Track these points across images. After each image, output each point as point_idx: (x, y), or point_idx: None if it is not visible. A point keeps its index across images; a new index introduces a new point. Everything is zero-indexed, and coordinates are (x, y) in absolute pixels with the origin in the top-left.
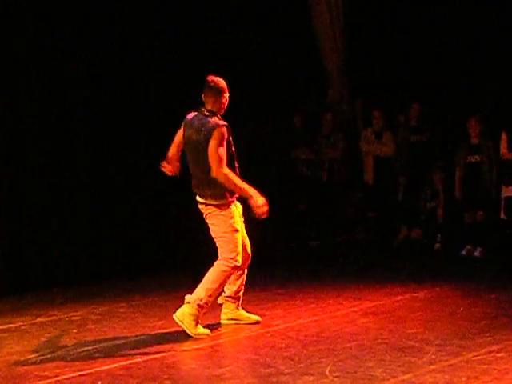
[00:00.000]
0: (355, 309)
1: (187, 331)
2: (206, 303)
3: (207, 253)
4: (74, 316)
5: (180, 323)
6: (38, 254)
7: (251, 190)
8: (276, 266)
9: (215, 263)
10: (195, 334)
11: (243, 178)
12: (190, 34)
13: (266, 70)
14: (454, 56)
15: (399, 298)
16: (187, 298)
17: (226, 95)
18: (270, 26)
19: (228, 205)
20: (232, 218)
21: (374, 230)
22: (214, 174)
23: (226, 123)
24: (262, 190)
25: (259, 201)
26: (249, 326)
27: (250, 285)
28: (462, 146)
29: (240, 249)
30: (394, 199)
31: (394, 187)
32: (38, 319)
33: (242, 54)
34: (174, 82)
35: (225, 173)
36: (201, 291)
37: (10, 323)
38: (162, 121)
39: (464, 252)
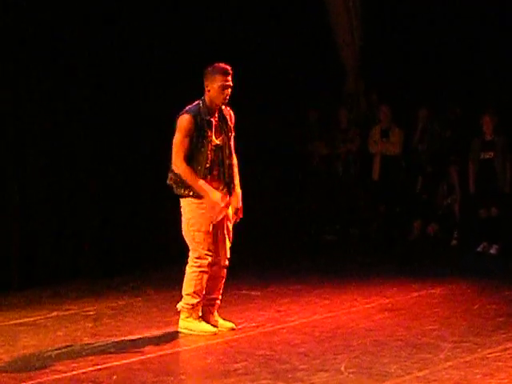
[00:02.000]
0: (371, 305)
1: (193, 333)
2: (193, 305)
3: None
4: (90, 310)
5: (185, 331)
6: (51, 249)
7: (206, 187)
8: (291, 262)
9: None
10: (200, 331)
11: (256, 173)
12: (203, 28)
13: (281, 63)
14: (472, 50)
15: (415, 294)
16: (178, 306)
17: (214, 84)
18: (285, 19)
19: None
20: (190, 214)
21: (389, 225)
22: (172, 164)
23: (192, 113)
24: (275, 186)
25: (213, 199)
26: (264, 322)
27: (265, 281)
28: (476, 142)
29: (205, 249)
30: (407, 194)
31: (407, 182)
32: (54, 313)
33: (257, 48)
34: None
35: (178, 165)
36: (184, 297)
37: (26, 317)
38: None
39: (480, 249)
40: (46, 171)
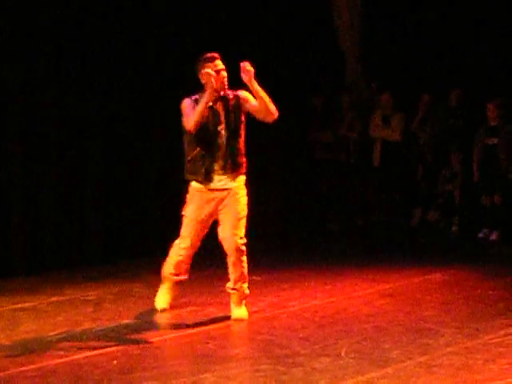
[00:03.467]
0: (372, 290)
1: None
2: None
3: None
4: (90, 295)
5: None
6: (52, 234)
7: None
8: (293, 248)
9: None
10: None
11: (258, 164)
12: (211, 18)
13: (282, 52)
14: (473, 39)
15: (416, 280)
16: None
17: (206, 69)
18: (286, 7)
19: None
20: (188, 200)
21: (390, 212)
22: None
23: (192, 97)
24: (278, 174)
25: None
26: (264, 307)
27: (267, 266)
28: (480, 128)
29: (185, 234)
30: (411, 181)
31: (407, 169)
32: (54, 298)
33: (257, 36)
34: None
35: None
36: None
37: (26, 302)
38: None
39: (481, 235)
40: (51, 157)
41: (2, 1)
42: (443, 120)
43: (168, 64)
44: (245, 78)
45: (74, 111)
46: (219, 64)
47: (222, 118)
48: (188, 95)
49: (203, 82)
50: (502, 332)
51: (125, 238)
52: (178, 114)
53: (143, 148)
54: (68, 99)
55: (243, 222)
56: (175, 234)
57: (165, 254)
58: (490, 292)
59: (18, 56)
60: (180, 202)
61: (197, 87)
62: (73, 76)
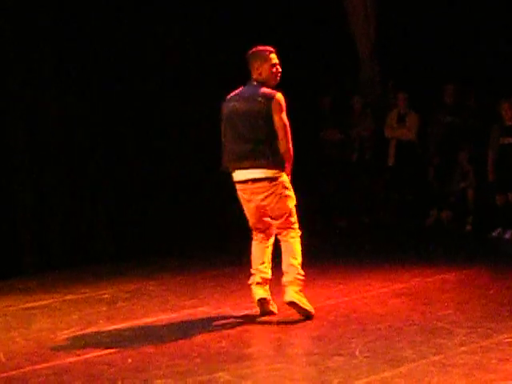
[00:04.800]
0: (385, 290)
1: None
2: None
3: (236, 232)
4: (104, 294)
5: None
6: (65, 232)
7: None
8: (305, 247)
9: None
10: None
11: None
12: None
13: (295, 51)
14: (487, 37)
15: (430, 279)
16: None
17: (272, 62)
18: (300, 7)
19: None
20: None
21: (403, 211)
22: (283, 147)
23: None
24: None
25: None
26: (278, 306)
27: (278, 265)
28: (495, 128)
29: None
30: (423, 181)
31: (421, 169)
32: (68, 296)
33: (271, 36)
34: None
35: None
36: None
37: (41, 300)
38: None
39: (495, 234)
40: (61, 155)
41: (2, 1)
42: (440, 118)
43: (168, 64)
44: None
45: (79, 111)
46: (275, 58)
47: None
48: (188, 95)
49: (264, 75)
50: None
51: (135, 236)
52: (178, 115)
53: (157, 152)
54: (68, 99)
55: None
56: (187, 233)
57: (178, 252)
58: (504, 291)
59: (19, 56)
60: (191, 200)
61: (197, 87)
62: (73, 76)
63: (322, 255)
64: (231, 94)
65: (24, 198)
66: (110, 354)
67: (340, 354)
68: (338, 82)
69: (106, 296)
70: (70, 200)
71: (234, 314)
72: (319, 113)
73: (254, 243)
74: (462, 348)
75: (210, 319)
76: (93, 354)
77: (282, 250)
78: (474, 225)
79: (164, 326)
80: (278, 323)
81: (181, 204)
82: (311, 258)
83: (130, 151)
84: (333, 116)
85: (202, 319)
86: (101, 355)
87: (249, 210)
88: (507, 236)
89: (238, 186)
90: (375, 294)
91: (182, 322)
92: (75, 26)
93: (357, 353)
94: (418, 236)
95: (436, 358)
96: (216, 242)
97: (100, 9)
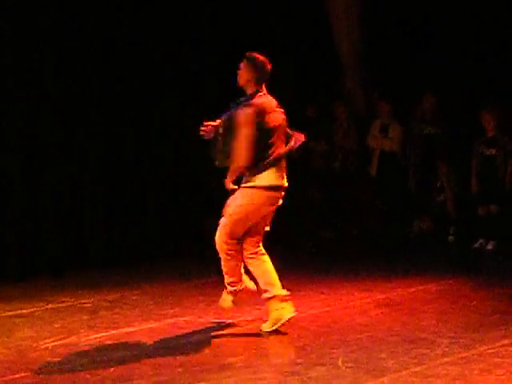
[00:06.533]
0: (368, 300)
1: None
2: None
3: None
4: (86, 303)
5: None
6: (48, 240)
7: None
8: (288, 257)
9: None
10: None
11: None
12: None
13: (278, 58)
14: (471, 47)
15: (412, 289)
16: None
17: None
18: (282, 13)
19: None
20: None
21: (386, 221)
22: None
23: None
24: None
25: None
26: (260, 315)
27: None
28: (478, 139)
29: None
30: (404, 191)
31: (402, 180)
32: (50, 305)
33: (255, 43)
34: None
35: None
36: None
37: (22, 309)
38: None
39: (477, 245)
40: (50, 163)
41: (2, 1)
42: (419, 129)
43: (168, 64)
44: None
45: (72, 111)
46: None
47: None
48: (188, 96)
49: (255, 78)
50: (498, 343)
51: (121, 245)
52: (178, 114)
53: (144, 160)
54: (68, 99)
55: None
56: (171, 241)
57: (161, 261)
58: (487, 302)
59: (19, 56)
60: (178, 208)
61: (197, 87)
62: (73, 76)
63: (305, 265)
64: (268, 103)
65: (11, 205)
66: (93, 363)
67: (322, 364)
68: (322, 90)
69: (88, 305)
70: (58, 208)
71: (217, 323)
72: (304, 122)
73: (262, 260)
74: (444, 359)
75: (193, 328)
76: (75, 363)
77: (259, 264)
78: (457, 235)
79: (146, 335)
80: (260, 333)
81: (166, 212)
82: (294, 267)
83: (118, 161)
84: (318, 125)
85: (185, 328)
86: (83, 364)
87: (267, 213)
88: (489, 247)
89: (272, 193)
90: (357, 304)
91: (164, 331)
92: (75, 25)
93: (339, 363)
94: (400, 246)
95: (418, 368)
96: (200, 250)
97: (100, 9)
